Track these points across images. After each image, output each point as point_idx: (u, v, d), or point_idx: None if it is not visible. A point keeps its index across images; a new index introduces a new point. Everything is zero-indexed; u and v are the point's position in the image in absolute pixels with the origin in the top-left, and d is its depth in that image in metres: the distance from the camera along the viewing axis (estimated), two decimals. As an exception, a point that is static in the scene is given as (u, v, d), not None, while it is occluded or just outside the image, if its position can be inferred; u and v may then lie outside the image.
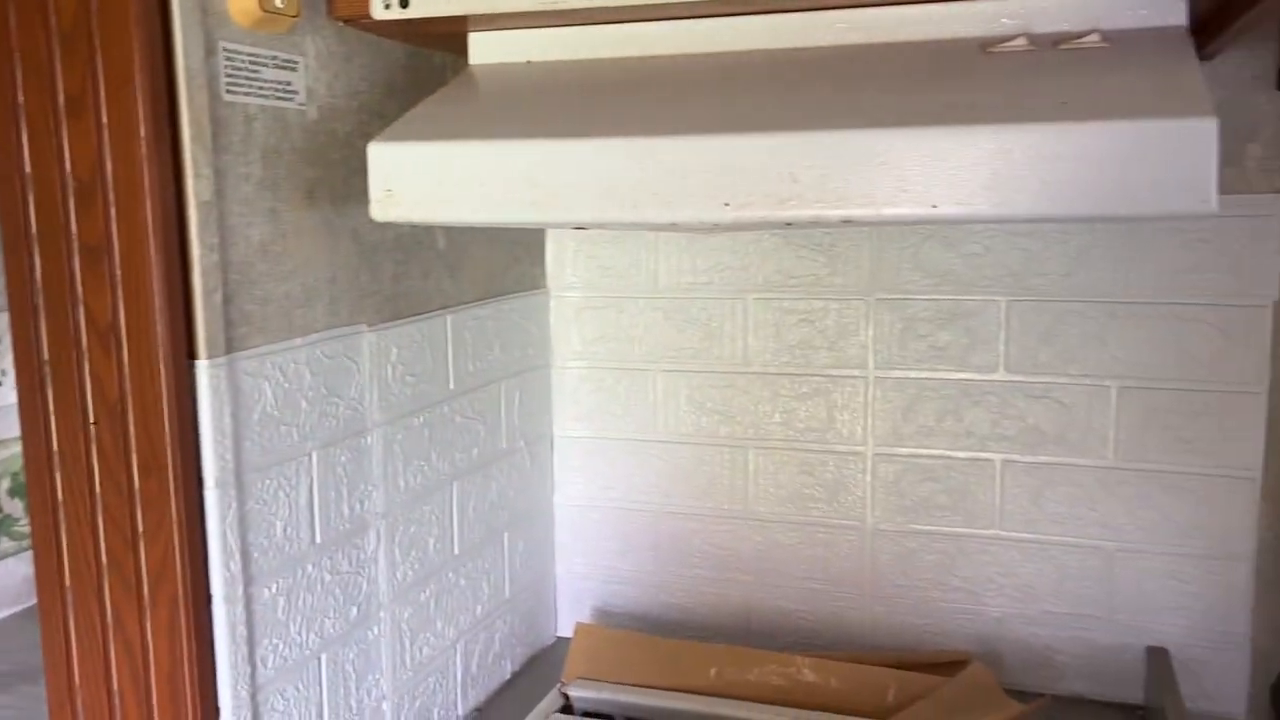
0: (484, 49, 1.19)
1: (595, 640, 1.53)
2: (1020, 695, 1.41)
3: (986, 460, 1.50)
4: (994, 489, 1.50)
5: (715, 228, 0.97)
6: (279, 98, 1.06)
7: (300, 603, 1.13)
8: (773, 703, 1.41)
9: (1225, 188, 1.34)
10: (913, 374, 1.51)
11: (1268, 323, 1.35)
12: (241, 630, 1.04)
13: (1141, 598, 1.45)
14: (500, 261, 1.52)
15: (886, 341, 1.52)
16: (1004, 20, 1.02)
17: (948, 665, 1.46)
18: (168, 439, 0.96)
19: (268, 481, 1.07)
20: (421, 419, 1.33)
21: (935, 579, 1.54)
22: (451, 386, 1.40)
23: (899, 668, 1.44)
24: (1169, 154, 0.82)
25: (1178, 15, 0.99)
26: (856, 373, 1.54)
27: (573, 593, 1.73)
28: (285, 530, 1.10)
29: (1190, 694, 1.43)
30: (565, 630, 1.72)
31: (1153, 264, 1.39)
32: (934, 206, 0.87)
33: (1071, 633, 1.49)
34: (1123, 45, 0.97)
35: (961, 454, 1.51)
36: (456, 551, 1.43)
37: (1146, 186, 0.82)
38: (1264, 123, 1.33)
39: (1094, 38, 0.98)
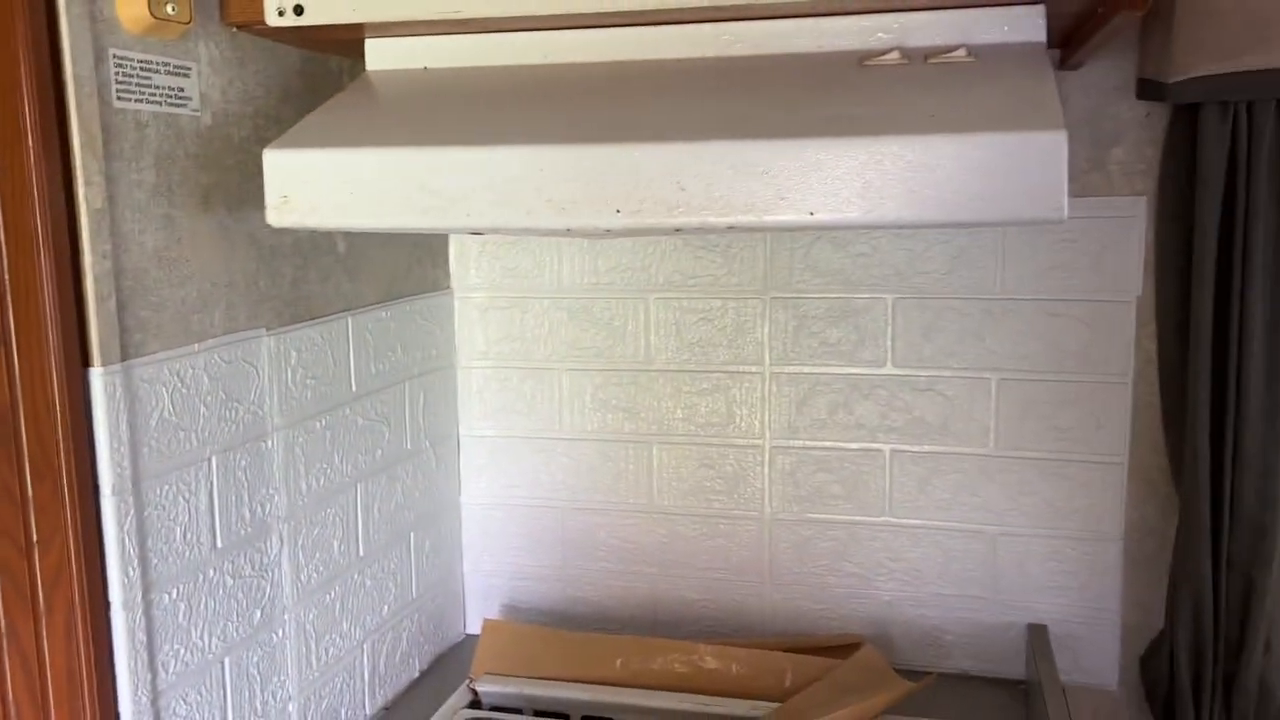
0: (381, 55, 1.21)
1: (503, 636, 1.55)
2: (910, 674, 1.48)
3: (876, 450, 1.56)
4: (883, 478, 1.57)
5: (607, 233, 1.01)
6: (172, 104, 1.06)
7: (202, 607, 1.13)
8: (677, 690, 1.46)
9: (1090, 190, 1.43)
10: (806, 369, 1.57)
11: (1131, 317, 1.44)
12: (141, 637, 1.04)
13: (1022, 578, 1.53)
14: (402, 264, 1.53)
15: (781, 338, 1.58)
16: (880, 35, 1.08)
17: (842, 648, 1.53)
18: (61, 447, 0.96)
19: (166, 487, 1.07)
20: (323, 422, 1.34)
21: (830, 565, 1.60)
22: (354, 389, 1.40)
23: (796, 652, 1.49)
24: (1023, 164, 0.88)
25: (1038, 33, 1.05)
26: (754, 369, 1.60)
27: (481, 590, 1.75)
28: (185, 535, 1.10)
29: (1066, 668, 1.51)
30: (474, 627, 1.74)
31: (1025, 263, 1.47)
32: (811, 214, 0.92)
33: (957, 613, 1.56)
34: (987, 60, 1.04)
35: (853, 445, 1.57)
36: (362, 553, 1.44)
37: (1004, 195, 0.88)
38: (1125, 129, 1.42)
39: (961, 53, 1.04)
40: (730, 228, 0.95)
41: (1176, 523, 1.41)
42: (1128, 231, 1.43)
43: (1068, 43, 1.31)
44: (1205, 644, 1.38)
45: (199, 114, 1.11)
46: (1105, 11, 1.03)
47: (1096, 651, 1.52)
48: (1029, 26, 1.05)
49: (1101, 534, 1.50)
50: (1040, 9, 1.05)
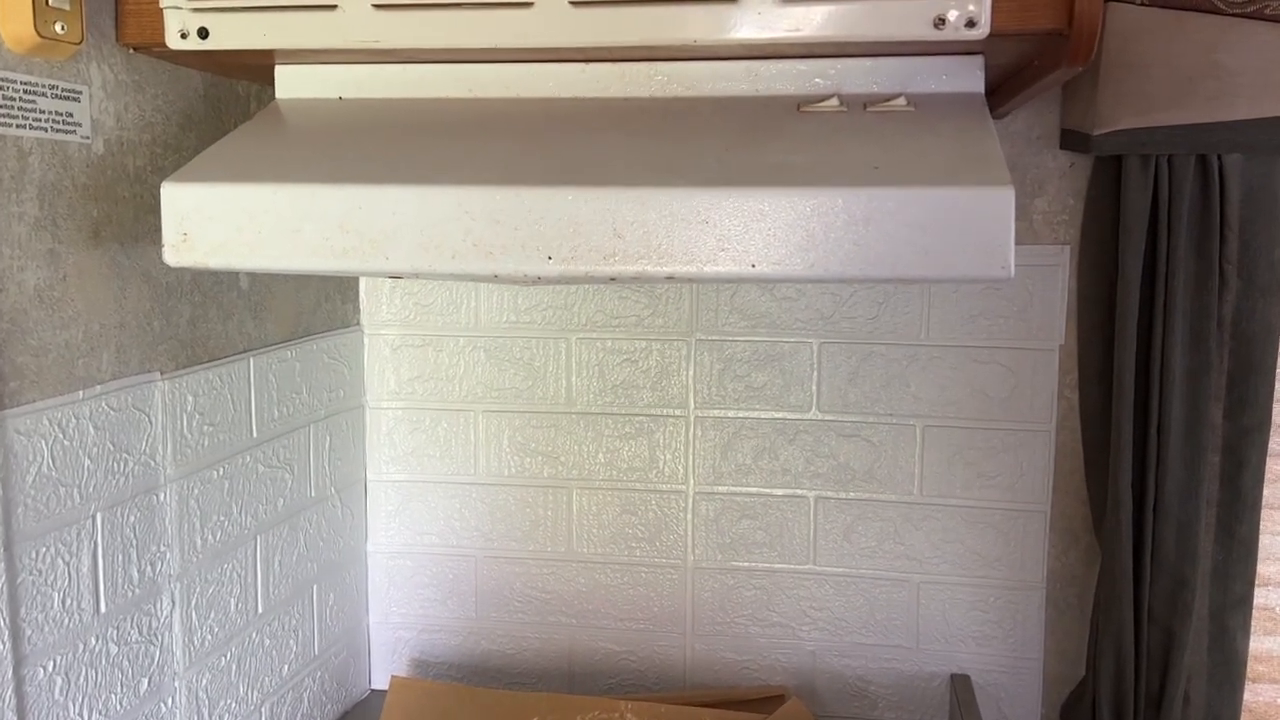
0: (292, 82, 1.13)
1: (411, 694, 1.47)
2: (835, 728, 1.45)
3: (801, 497, 1.53)
4: (808, 525, 1.54)
5: (539, 281, 0.95)
6: (59, 130, 0.97)
7: (81, 680, 1.03)
8: (596, 750, 1.40)
9: (1015, 239, 1.43)
10: (731, 413, 1.54)
11: (1054, 365, 1.45)
12: (10, 718, 0.94)
13: (945, 627, 1.52)
14: (309, 300, 1.45)
15: (706, 381, 1.54)
16: (817, 80, 1.05)
17: (766, 700, 1.49)
18: (-78, 510, 0.86)
19: (44, 550, 0.97)
20: (221, 470, 1.24)
21: (753, 614, 1.56)
22: (254, 434, 1.31)
23: (720, 706, 1.45)
24: (970, 220, 0.85)
25: (976, 84, 1.04)
26: (678, 412, 1.55)
27: (388, 644, 1.66)
28: (64, 602, 1.00)
29: (990, 717, 1.50)
30: (380, 683, 1.65)
31: (950, 309, 1.46)
32: (753, 266, 0.88)
33: (881, 663, 1.54)
34: (927, 109, 1.02)
35: (778, 491, 1.54)
36: (260, 610, 1.34)
37: (950, 251, 0.86)
38: (1048, 179, 1.42)
39: (900, 101, 1.02)
40: (669, 278, 0.90)
41: (1098, 571, 1.41)
42: (1051, 280, 1.43)
43: (995, 92, 1.31)
44: (1126, 695, 1.38)
45: (89, 141, 1.01)
46: (1042, 65, 1.02)
47: (1019, 701, 1.51)
48: (967, 77, 1.04)
49: (1025, 582, 1.49)
50: (979, 59, 1.03)
